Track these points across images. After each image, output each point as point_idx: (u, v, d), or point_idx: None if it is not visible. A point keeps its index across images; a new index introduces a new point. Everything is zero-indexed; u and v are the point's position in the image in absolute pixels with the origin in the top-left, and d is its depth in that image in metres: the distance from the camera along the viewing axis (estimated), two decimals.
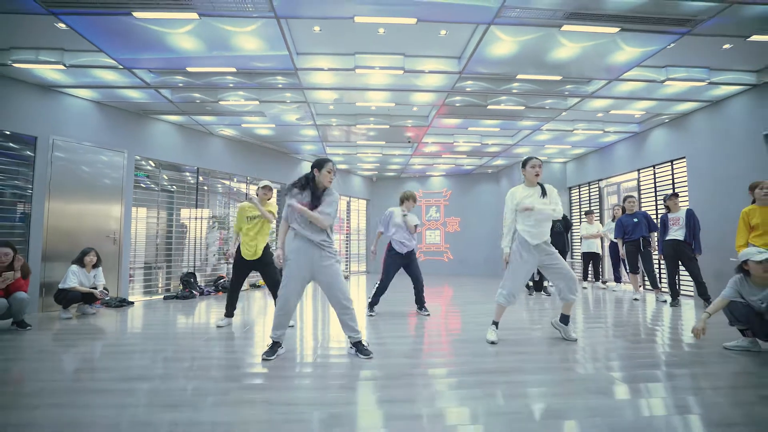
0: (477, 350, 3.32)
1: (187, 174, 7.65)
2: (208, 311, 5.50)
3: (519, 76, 5.25)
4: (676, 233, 5.56)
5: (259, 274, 4.41)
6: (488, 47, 4.52)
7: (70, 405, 2.24)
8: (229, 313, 4.30)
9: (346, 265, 11.78)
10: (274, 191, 4.73)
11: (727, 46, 4.44)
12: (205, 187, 8.50)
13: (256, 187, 4.42)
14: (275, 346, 3.10)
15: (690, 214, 5.52)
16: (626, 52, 4.59)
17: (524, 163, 3.62)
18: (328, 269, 3.06)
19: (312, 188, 3.10)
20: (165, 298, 6.55)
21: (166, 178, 7.42)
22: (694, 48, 4.54)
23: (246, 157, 8.50)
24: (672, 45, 4.42)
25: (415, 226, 4.90)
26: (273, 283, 4.30)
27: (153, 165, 7.29)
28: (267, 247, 4.41)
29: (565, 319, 3.65)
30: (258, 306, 5.96)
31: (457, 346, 3.53)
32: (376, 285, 4.94)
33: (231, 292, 4.29)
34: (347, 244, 11.92)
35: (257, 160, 8.77)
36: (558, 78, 5.28)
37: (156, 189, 7.22)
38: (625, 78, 5.21)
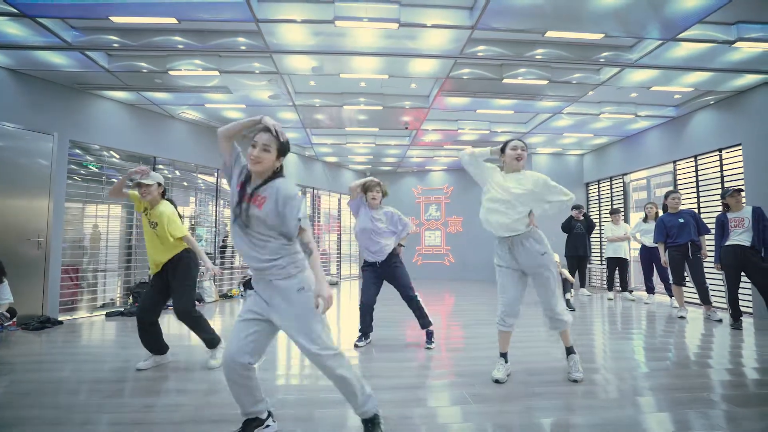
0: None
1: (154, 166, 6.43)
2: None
3: (548, 35, 4.08)
4: (740, 237, 4.43)
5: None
6: None
7: None
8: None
9: (337, 268, 10.60)
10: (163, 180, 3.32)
11: None
12: (185, 183, 7.42)
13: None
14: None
15: (759, 213, 4.39)
16: None
17: (503, 148, 2.82)
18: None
19: None
20: (107, 315, 5.35)
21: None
22: None
23: (215, 146, 7.24)
24: None
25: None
26: (180, 310, 3.04)
27: (117, 156, 6.15)
28: (181, 255, 3.12)
29: (568, 350, 2.84)
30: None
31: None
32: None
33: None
34: (338, 244, 10.77)
35: None
36: (598, 37, 4.10)
37: (102, 181, 6.03)
38: (684, 37, 4.05)
